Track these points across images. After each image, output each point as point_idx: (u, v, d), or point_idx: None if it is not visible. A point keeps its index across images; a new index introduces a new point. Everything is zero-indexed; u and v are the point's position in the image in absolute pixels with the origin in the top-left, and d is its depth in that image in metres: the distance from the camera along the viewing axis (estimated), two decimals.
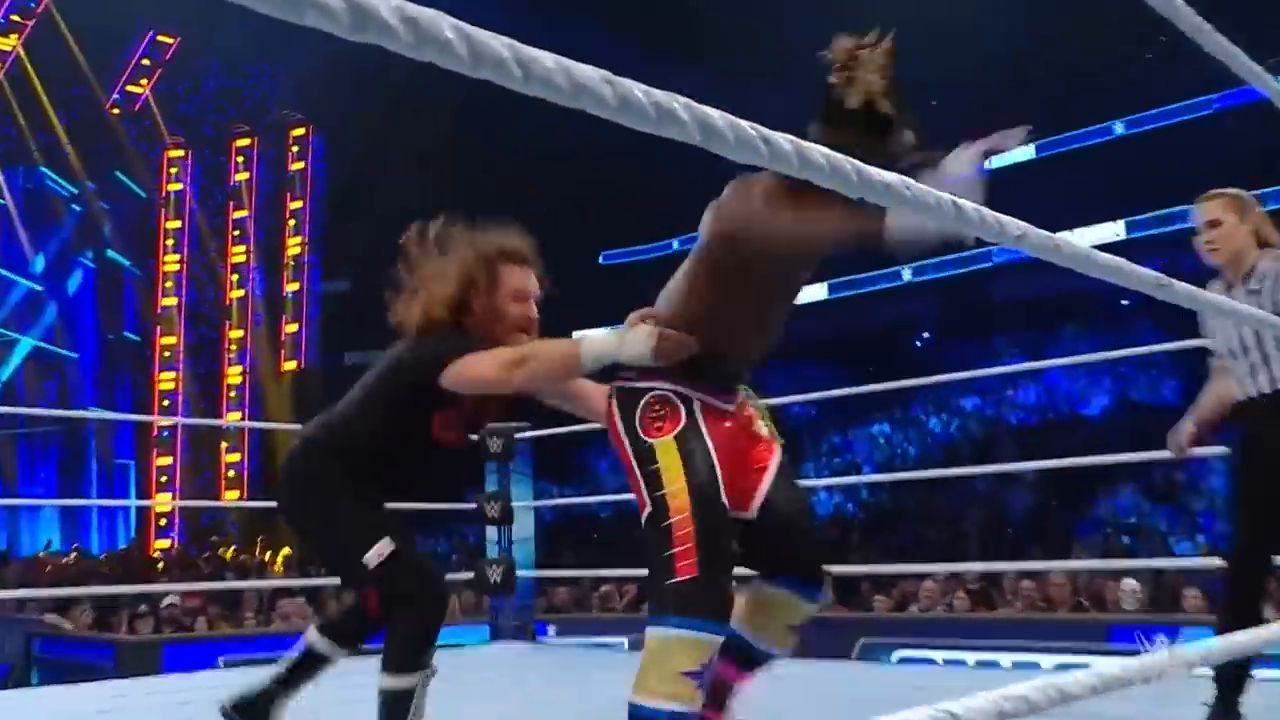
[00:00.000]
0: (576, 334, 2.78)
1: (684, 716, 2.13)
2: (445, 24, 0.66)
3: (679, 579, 2.15)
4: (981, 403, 22.34)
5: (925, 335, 25.04)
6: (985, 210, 1.14)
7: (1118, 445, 10.97)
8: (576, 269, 28.86)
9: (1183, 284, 1.43)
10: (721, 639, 2.18)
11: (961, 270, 24.01)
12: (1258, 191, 4.02)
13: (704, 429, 2.24)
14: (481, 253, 2.94)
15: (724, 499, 2.21)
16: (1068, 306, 21.34)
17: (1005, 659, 6.47)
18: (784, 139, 0.92)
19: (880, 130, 2.25)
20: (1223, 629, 3.18)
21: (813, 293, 26.20)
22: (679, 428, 2.23)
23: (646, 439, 2.25)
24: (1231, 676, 3.29)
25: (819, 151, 0.94)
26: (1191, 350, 4.91)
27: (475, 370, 2.76)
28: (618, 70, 0.82)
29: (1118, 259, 1.41)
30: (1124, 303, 21.22)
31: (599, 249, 29.24)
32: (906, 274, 24.88)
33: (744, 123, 0.89)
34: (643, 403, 2.29)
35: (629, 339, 2.46)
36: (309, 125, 29.52)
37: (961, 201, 1.09)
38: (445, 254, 2.99)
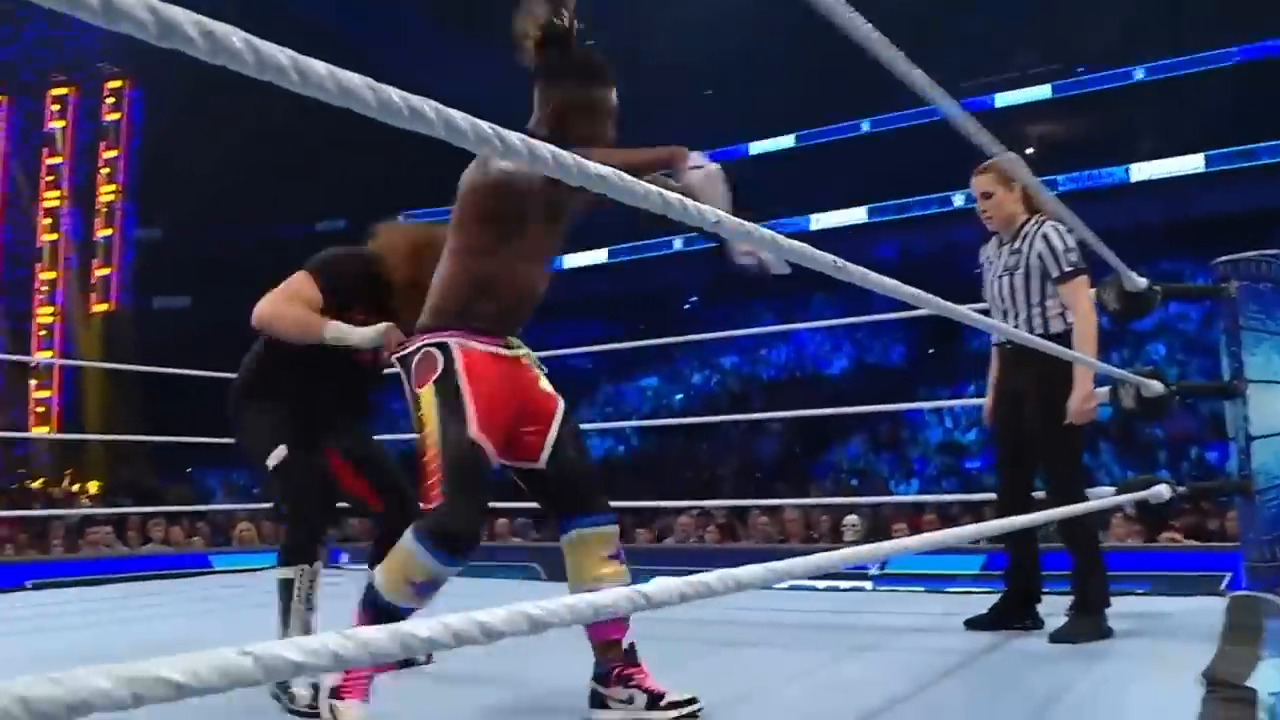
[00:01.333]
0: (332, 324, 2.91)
1: (395, 609, 2.22)
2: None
3: (428, 506, 2.26)
4: (739, 360, 22.96)
5: (693, 299, 25.56)
6: (688, 200, 1.26)
7: (853, 401, 11.56)
8: (376, 224, 28.41)
9: (856, 267, 1.58)
10: (452, 570, 2.26)
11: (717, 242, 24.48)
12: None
13: (460, 372, 2.29)
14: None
15: (472, 435, 2.28)
16: (818, 277, 22.01)
17: None
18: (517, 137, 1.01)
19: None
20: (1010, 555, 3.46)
21: (594, 256, 26.50)
22: (435, 374, 2.31)
23: (415, 390, 2.34)
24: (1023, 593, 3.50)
25: (546, 148, 1.03)
26: (917, 319, 5.12)
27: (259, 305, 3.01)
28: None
29: (802, 244, 1.54)
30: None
31: (399, 207, 28.76)
32: (678, 243, 25.34)
33: (481, 122, 0.97)
34: (414, 360, 2.36)
35: (362, 331, 2.88)
36: (127, 78, 28.16)
37: (666, 194, 1.21)
38: None
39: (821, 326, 19.33)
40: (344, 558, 8.07)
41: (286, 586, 2.93)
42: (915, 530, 8.06)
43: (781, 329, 10.49)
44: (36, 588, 6.18)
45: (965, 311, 2.34)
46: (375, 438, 3.31)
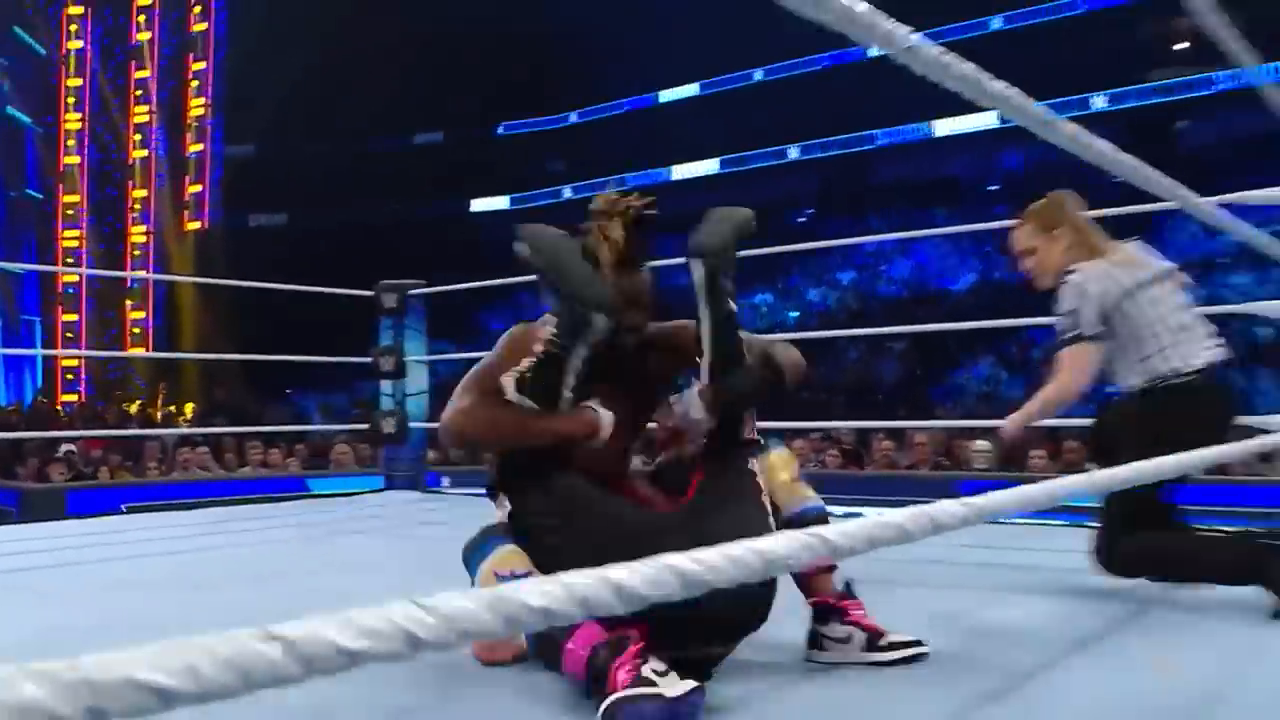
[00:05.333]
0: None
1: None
2: None
3: None
4: (857, 276, 22.59)
5: (808, 211, 25.16)
6: None
7: (980, 319, 11.18)
8: (475, 139, 28.45)
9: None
10: None
11: (842, 152, 24.14)
12: None
13: None
14: None
15: None
16: (939, 190, 21.58)
17: (870, 512, 6.60)
18: None
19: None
20: None
21: (705, 167, 26.27)
22: None
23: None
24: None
25: None
26: None
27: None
28: None
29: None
30: (991, 188, 21.49)
31: (498, 120, 28.75)
32: (794, 152, 25.01)
33: None
34: None
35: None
36: None
37: None
38: None
39: (946, 234, 18.83)
40: (443, 481, 8.09)
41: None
42: (1054, 457, 7.79)
43: (902, 236, 10.14)
44: (131, 511, 6.27)
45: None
46: None
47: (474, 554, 2.18)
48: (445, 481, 8.19)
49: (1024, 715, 1.87)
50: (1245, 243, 2.96)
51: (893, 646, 2.20)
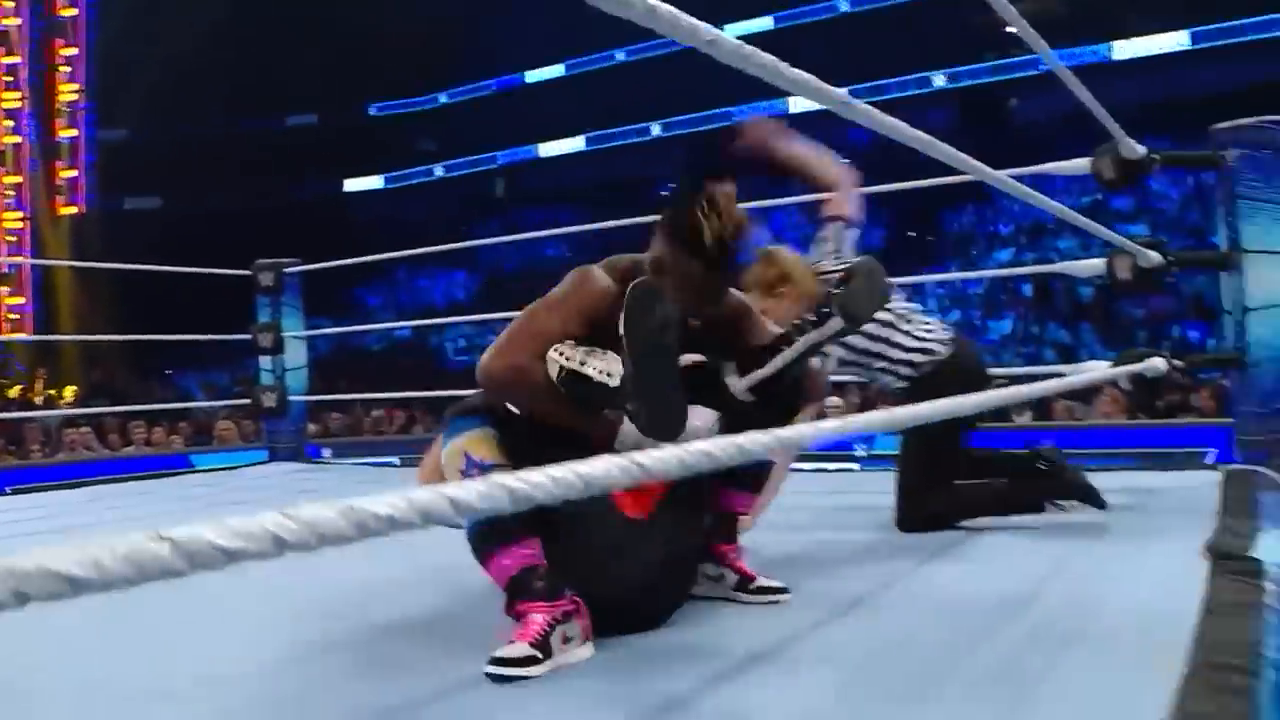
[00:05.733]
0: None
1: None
2: None
3: None
4: None
5: (670, 186, 25.33)
6: None
7: None
8: (347, 120, 28.01)
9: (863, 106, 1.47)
10: None
11: (702, 129, 24.39)
12: None
13: None
14: None
15: None
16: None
17: None
18: None
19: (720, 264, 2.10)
20: None
21: (571, 144, 26.35)
22: None
23: None
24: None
25: None
26: (894, 199, 4.99)
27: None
28: None
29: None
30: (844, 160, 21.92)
31: (370, 100, 28.37)
32: (656, 129, 25.23)
33: None
34: None
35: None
36: None
37: None
38: None
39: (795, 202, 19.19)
40: (325, 453, 8.06)
41: None
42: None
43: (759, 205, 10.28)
44: (15, 493, 6.12)
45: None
46: None
47: (450, 428, 2.08)
48: (326, 453, 8.16)
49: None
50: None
51: (760, 590, 2.32)
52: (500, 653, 1.82)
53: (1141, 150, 3.47)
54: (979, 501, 3.14)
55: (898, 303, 3.22)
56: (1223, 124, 3.73)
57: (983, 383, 3.21)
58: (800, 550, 2.87)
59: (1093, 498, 3.10)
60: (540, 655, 1.83)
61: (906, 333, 3.16)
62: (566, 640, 1.89)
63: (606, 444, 2.04)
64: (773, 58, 1.23)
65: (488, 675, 1.79)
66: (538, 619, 1.88)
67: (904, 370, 3.16)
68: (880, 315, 2.94)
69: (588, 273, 2.15)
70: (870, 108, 1.47)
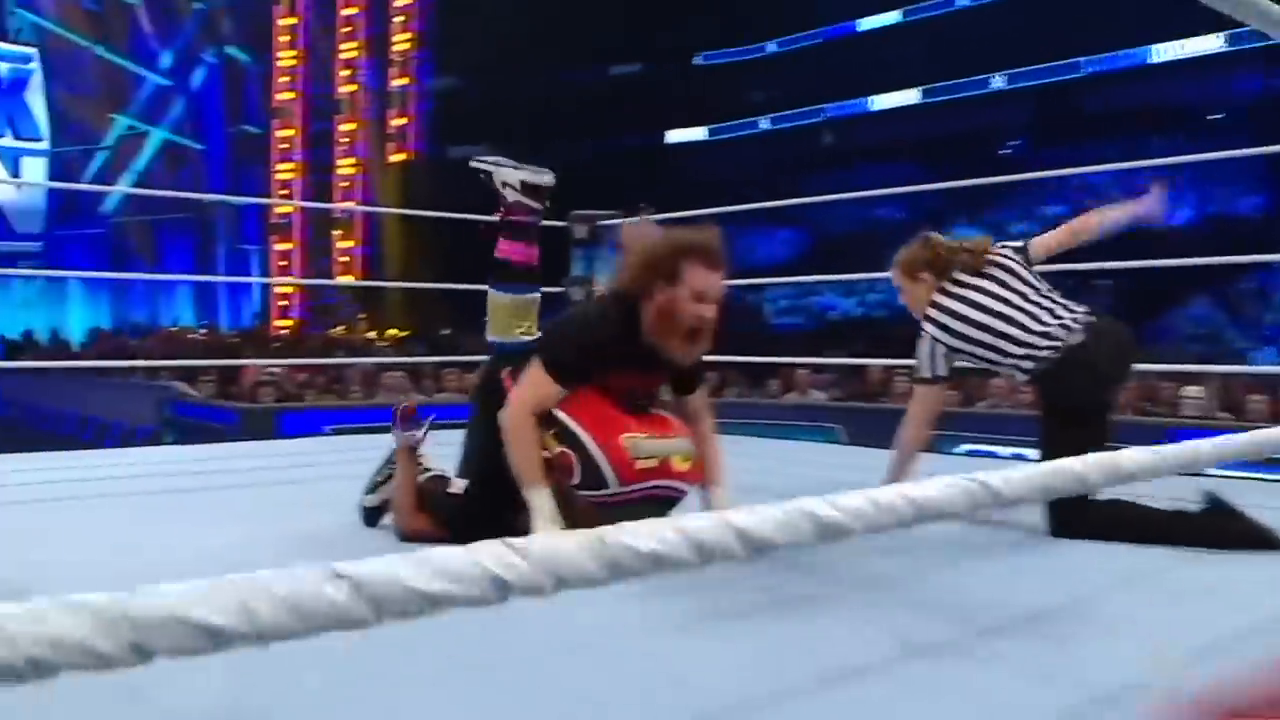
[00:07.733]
0: (538, 495, 2.69)
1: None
2: None
3: None
4: (1066, 211, 21.69)
5: (1014, 142, 24.25)
6: None
7: (1198, 255, 10.52)
8: (672, 71, 28.31)
9: None
10: None
11: (1050, 80, 23.20)
12: None
13: None
14: (673, 246, 2.85)
15: None
16: (1157, 119, 20.50)
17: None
18: None
19: None
20: None
21: (906, 97, 25.58)
22: None
23: None
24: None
25: None
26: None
27: (514, 393, 2.85)
28: None
29: None
30: (1213, 117, 20.29)
31: (696, 50, 28.53)
32: (998, 81, 24.13)
33: None
34: None
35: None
36: None
37: None
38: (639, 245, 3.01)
39: (1162, 165, 17.97)
40: None
41: None
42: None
43: (1114, 167, 9.66)
44: (335, 433, 6.49)
45: None
46: None
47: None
48: None
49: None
50: None
51: None
52: None
53: None
54: (1145, 525, 2.94)
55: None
56: None
57: (1118, 372, 3.22)
58: None
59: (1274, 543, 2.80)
60: None
61: (1031, 314, 3.19)
62: None
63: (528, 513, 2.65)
64: None
65: None
66: None
67: (1026, 364, 3.18)
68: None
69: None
70: None
